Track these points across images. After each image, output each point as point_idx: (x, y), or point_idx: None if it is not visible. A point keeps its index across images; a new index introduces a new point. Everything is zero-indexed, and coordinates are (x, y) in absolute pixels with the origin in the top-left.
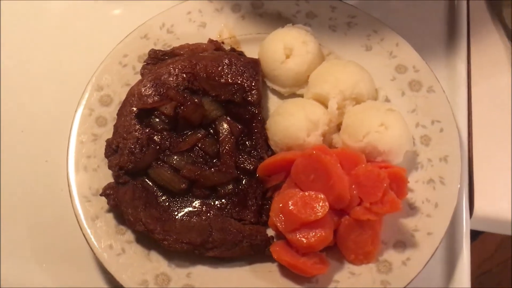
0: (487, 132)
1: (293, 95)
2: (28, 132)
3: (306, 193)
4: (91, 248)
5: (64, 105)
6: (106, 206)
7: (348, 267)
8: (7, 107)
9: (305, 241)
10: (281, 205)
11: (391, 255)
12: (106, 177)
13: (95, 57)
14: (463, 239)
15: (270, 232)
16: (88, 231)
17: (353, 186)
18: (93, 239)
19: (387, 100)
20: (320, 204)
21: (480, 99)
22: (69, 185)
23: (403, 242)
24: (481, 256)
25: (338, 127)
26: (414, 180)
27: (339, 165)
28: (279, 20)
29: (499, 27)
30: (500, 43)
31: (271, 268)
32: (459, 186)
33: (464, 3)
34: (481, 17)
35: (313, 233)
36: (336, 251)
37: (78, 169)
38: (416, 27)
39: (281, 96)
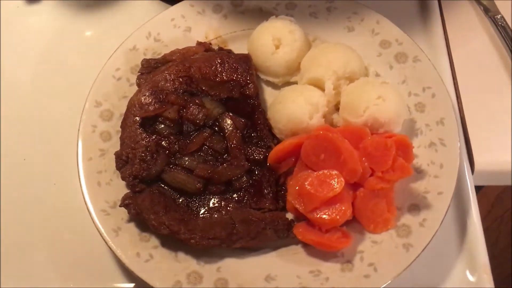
0: (473, 91)
1: (287, 83)
2: (31, 159)
3: (320, 172)
4: (119, 259)
5: (62, 127)
6: (126, 217)
7: (370, 237)
8: (6, 136)
9: (327, 218)
10: (297, 187)
11: (408, 219)
12: (120, 189)
13: (83, 77)
14: (470, 196)
15: (289, 216)
16: (113, 243)
17: (363, 159)
18: (119, 250)
19: (377, 75)
20: (336, 180)
21: (461, 61)
22: (85, 202)
23: (417, 205)
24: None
25: (336, 107)
26: (416, 145)
27: (347, 141)
28: (261, 14)
29: None
30: (470, 7)
31: (297, 250)
32: (459, 144)
33: None
34: None
35: (334, 209)
36: (355, 224)
37: (91, 186)
38: (390, 4)
39: (275, 86)
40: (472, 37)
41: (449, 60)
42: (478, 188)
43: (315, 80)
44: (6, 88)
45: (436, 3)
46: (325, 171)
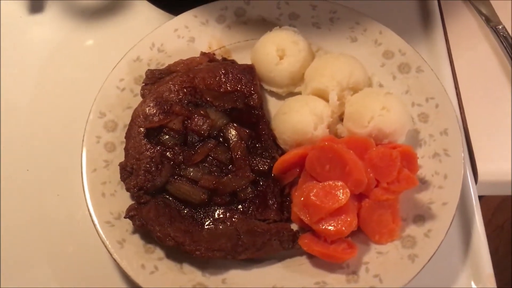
0: (476, 101)
1: (291, 94)
2: (34, 170)
3: (326, 183)
4: (124, 271)
5: (65, 138)
6: (131, 228)
7: (375, 248)
8: (8, 148)
9: (333, 229)
10: (302, 198)
11: (413, 230)
12: (125, 200)
13: (83, 87)
14: (474, 206)
15: (293, 227)
16: (118, 255)
17: (369, 170)
18: (124, 262)
19: (380, 85)
20: (341, 191)
21: (463, 71)
22: (90, 214)
23: (422, 216)
24: None
25: (340, 117)
26: (420, 156)
27: (351, 151)
28: (264, 25)
29: (469, 5)
30: (471, 17)
31: (302, 261)
32: (463, 155)
33: None
34: None
35: (339, 220)
36: (360, 235)
37: (95, 197)
38: (392, 14)
39: (279, 97)
40: (473, 47)
41: (451, 70)
42: (479, 198)
43: (319, 91)
44: (9, 99)
45: (437, 13)
46: (331, 182)
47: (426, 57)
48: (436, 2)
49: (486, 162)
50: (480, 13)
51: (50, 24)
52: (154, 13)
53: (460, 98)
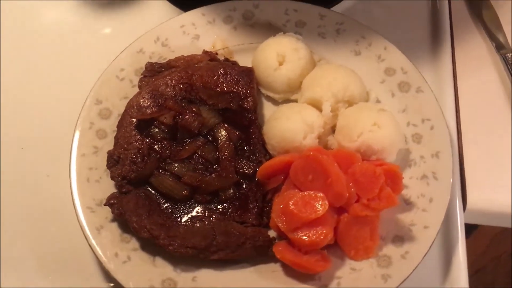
0: (475, 127)
1: (287, 101)
2: (28, 149)
3: (306, 193)
4: (97, 257)
5: (63, 121)
6: (110, 216)
7: (350, 263)
8: (5, 124)
9: (307, 239)
10: (282, 206)
11: (390, 250)
12: (109, 187)
13: (89, 74)
14: (459, 233)
15: (272, 233)
16: (93, 241)
17: (351, 184)
18: (98, 249)
19: (378, 101)
20: (320, 203)
21: (466, 96)
22: (72, 197)
23: (401, 237)
24: (474, 253)
25: (333, 129)
26: (408, 176)
27: (336, 164)
28: (270, 29)
29: (480, 27)
30: (482, 42)
31: (275, 268)
32: (451, 180)
33: (446, 4)
34: (463, 17)
35: (315, 231)
36: (336, 249)
37: (81, 181)
38: (401, 31)
39: (275, 102)
40: (480, 73)
41: (455, 93)
42: (474, 227)
43: (314, 100)
44: (15, 78)
45: (448, 35)
46: (311, 193)
47: (431, 77)
48: (448, 23)
49: (477, 190)
50: (492, 39)
51: (67, 9)
52: (169, 6)
53: (459, 123)
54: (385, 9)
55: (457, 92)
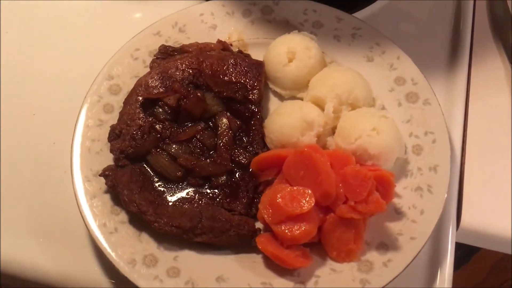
0: (480, 149)
1: (294, 98)
2: (40, 116)
3: (294, 188)
4: (86, 225)
5: (77, 93)
6: (104, 187)
7: (330, 264)
8: (21, 90)
9: (289, 233)
10: (269, 198)
11: (373, 256)
12: (108, 160)
13: (110, 53)
14: (448, 250)
15: (259, 225)
16: (84, 208)
17: (340, 185)
18: (88, 217)
19: (383, 108)
20: (307, 199)
21: (476, 116)
22: (71, 164)
23: (386, 244)
24: (474, 281)
25: (333, 130)
26: (403, 186)
27: (328, 163)
28: (287, 27)
29: (501, 50)
30: (501, 65)
31: (256, 259)
32: (446, 195)
33: (470, 23)
34: (485, 37)
35: (297, 227)
36: (320, 248)
37: (82, 151)
38: (421, 45)
39: (282, 98)
40: (494, 94)
41: (465, 112)
42: (475, 250)
43: (317, 99)
44: (37, 45)
45: (467, 52)
46: (300, 188)
47: (443, 92)
48: (468, 42)
49: (474, 210)
50: (510, 57)
51: None
52: None
53: (465, 141)
54: (408, 23)
55: (468, 111)
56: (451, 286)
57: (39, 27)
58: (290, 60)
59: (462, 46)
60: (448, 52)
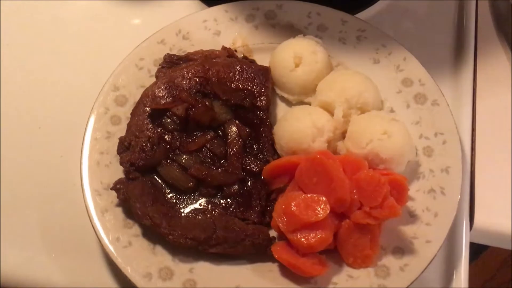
0: (490, 147)
1: (301, 103)
2: (46, 129)
3: (309, 195)
4: (99, 239)
5: (82, 104)
6: (116, 200)
7: (347, 270)
8: (27, 105)
9: (305, 242)
10: (283, 206)
11: (389, 261)
12: (117, 173)
13: (112, 61)
14: (463, 251)
15: (273, 233)
16: (97, 223)
17: (354, 191)
18: (101, 231)
19: (392, 111)
20: (321, 206)
21: (484, 115)
22: (81, 179)
23: (402, 249)
24: (483, 277)
25: (343, 135)
26: (415, 189)
27: (341, 169)
28: (291, 31)
29: (506, 47)
30: (507, 62)
31: (272, 268)
32: (459, 197)
33: (473, 22)
34: (489, 35)
35: (313, 234)
36: (336, 255)
37: (91, 164)
38: (425, 44)
39: (289, 103)
40: (501, 93)
41: (472, 111)
42: (484, 248)
43: (326, 104)
44: (40, 58)
45: (471, 52)
46: (314, 195)
47: (450, 93)
48: (473, 40)
49: (486, 209)
50: None
51: None
52: (194, 2)
53: (474, 141)
54: (411, 22)
55: (475, 110)
56: (467, 286)
57: (37, 38)
58: (297, 65)
59: (467, 44)
60: (453, 51)
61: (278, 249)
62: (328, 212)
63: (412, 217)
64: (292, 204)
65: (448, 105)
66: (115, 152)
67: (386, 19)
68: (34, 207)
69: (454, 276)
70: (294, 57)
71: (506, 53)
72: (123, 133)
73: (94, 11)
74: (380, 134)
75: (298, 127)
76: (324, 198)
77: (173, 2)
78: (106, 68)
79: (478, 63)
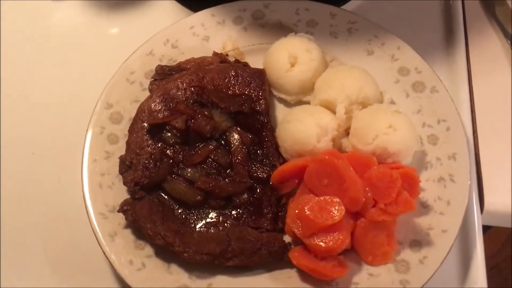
0: (491, 127)
1: (300, 102)
2: (39, 154)
3: (322, 198)
4: (112, 264)
5: (74, 125)
6: (124, 222)
7: (367, 269)
8: (16, 131)
9: (323, 245)
10: (297, 211)
11: (408, 255)
12: (121, 193)
13: (99, 76)
14: (476, 235)
15: (287, 238)
16: (108, 248)
17: (367, 189)
18: (113, 256)
19: (392, 102)
20: (336, 208)
21: (482, 95)
22: (85, 204)
23: (419, 241)
24: (489, 252)
25: (347, 132)
26: (425, 179)
27: (351, 168)
28: (281, 29)
29: (494, 25)
30: (497, 40)
31: (291, 274)
32: (469, 182)
33: (459, 4)
34: (476, 16)
35: (331, 237)
36: (353, 254)
37: (93, 187)
38: (413, 30)
39: (287, 104)
40: (496, 72)
41: (470, 94)
42: (488, 227)
43: (327, 102)
44: (25, 81)
45: (462, 34)
46: (327, 198)
47: (445, 77)
48: (461, 22)
49: (494, 191)
50: (507, 36)
51: (73, 10)
52: (177, 6)
53: (475, 123)
54: (396, 7)
55: (472, 92)
56: (484, 268)
57: (15, 62)
58: (292, 65)
59: (456, 25)
60: (443, 34)
61: (296, 255)
62: (343, 213)
63: (425, 208)
64: (306, 208)
65: (447, 90)
66: (117, 172)
67: (371, 8)
68: (38, 236)
69: (471, 262)
70: (289, 57)
71: (495, 31)
72: (122, 152)
73: (70, 27)
74: (386, 128)
75: (301, 128)
76: (337, 199)
77: (152, 8)
78: (93, 83)
79: (469, 44)
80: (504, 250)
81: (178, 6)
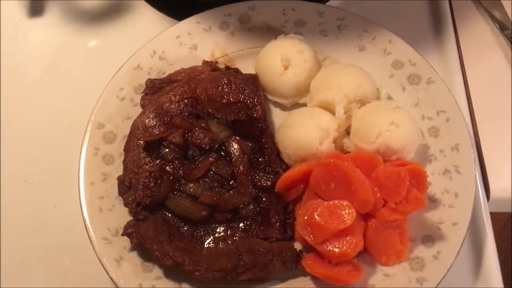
0: (488, 114)
1: (296, 105)
2: (31, 181)
3: (331, 202)
4: None
5: (64, 147)
6: (128, 246)
7: (382, 269)
8: (6, 158)
9: (338, 251)
10: (306, 217)
11: (422, 251)
12: (123, 215)
13: (86, 94)
14: (485, 224)
15: (297, 245)
16: (115, 274)
17: (376, 189)
18: (122, 281)
19: (389, 97)
20: (347, 212)
21: (476, 82)
22: (87, 229)
23: (431, 236)
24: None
25: (347, 131)
26: (430, 172)
27: (358, 170)
28: (269, 32)
29: (482, 10)
30: (485, 25)
31: (305, 282)
32: (475, 172)
33: None
34: (463, 2)
35: (344, 242)
36: (366, 255)
37: (93, 212)
38: (401, 21)
39: (283, 107)
40: (487, 56)
41: (464, 81)
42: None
43: (325, 103)
44: (8, 105)
45: (450, 21)
46: (336, 202)
47: (437, 67)
48: (448, 9)
49: (498, 178)
50: (494, 20)
51: (50, 27)
52: (158, 15)
53: (473, 111)
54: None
55: (466, 79)
56: (496, 251)
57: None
58: (286, 68)
59: (443, 14)
60: (430, 23)
61: (310, 263)
62: (355, 216)
63: (433, 202)
64: (315, 214)
65: (443, 81)
66: (116, 194)
67: (355, 3)
68: (41, 267)
69: (484, 251)
70: (281, 60)
71: (482, 16)
72: (119, 172)
73: (51, 45)
74: (388, 125)
75: (303, 132)
76: (347, 203)
77: (134, 19)
78: (81, 102)
79: (458, 31)
80: (504, 232)
81: (161, 15)
